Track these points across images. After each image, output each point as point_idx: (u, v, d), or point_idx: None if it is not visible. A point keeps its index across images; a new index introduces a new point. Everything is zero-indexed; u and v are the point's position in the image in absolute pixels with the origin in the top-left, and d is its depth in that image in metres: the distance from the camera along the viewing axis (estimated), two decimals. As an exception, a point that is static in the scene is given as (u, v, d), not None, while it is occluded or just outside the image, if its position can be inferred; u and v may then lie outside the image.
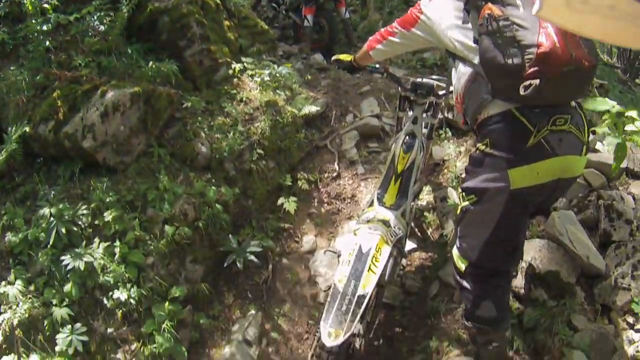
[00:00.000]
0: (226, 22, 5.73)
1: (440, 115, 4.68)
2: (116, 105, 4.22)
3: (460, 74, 2.81)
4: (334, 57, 3.92)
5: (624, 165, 4.10)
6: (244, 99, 5.11)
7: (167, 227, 4.09)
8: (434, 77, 3.85)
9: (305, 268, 4.57)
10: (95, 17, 4.94)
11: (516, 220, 2.77)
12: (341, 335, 2.76)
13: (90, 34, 4.92)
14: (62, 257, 3.79)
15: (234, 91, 5.19)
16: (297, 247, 4.74)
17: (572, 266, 3.54)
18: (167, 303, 3.87)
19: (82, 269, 3.73)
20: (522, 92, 2.35)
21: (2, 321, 3.64)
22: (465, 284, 2.94)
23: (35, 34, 4.81)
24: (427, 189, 4.72)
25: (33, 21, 4.82)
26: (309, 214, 4.96)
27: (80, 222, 3.98)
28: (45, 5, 4.84)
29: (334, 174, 5.19)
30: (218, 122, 4.79)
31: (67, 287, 3.73)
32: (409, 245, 3.72)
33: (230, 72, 5.35)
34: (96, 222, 3.99)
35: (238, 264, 4.27)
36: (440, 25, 2.83)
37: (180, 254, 4.18)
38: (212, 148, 4.64)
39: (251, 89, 5.27)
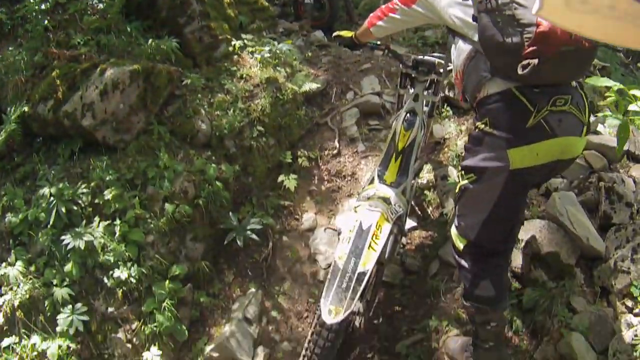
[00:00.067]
0: (226, -1, 5.59)
1: (441, 94, 4.60)
2: (115, 83, 4.14)
3: (460, 50, 2.76)
4: (335, 34, 3.84)
5: (625, 147, 4.03)
6: (244, 76, 5.02)
7: (167, 205, 4.03)
8: (435, 54, 3.76)
9: (305, 246, 4.52)
10: (93, -5, 4.82)
11: (515, 200, 2.74)
12: (341, 312, 2.73)
13: (89, 12, 4.84)
14: (63, 237, 3.73)
15: (234, 68, 5.08)
16: (297, 224, 4.67)
17: (572, 247, 3.49)
18: (167, 281, 3.83)
19: (82, 248, 3.69)
20: (520, 71, 2.30)
21: (3, 303, 3.62)
22: (463, 262, 2.90)
23: (34, 14, 4.74)
24: (427, 167, 4.65)
25: (31, 1, 4.73)
26: (309, 191, 4.89)
27: (80, 201, 3.92)
28: (44, -16, 4.73)
29: (335, 152, 5.10)
30: (218, 100, 4.70)
31: (68, 266, 3.69)
32: (409, 223, 3.67)
33: (230, 49, 5.24)
34: (96, 201, 3.93)
35: (238, 241, 4.21)
36: (440, 2, 2.78)
37: (181, 232, 4.12)
38: (212, 125, 4.56)
39: (251, 66, 5.17)
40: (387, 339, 3.77)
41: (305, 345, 3.14)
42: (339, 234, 3.12)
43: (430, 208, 4.47)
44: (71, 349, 3.54)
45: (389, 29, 3.26)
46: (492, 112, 2.54)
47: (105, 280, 3.74)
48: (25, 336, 3.59)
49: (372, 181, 3.50)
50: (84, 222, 3.86)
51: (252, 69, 5.12)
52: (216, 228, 4.33)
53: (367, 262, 2.85)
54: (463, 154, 2.88)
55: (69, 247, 3.69)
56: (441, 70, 3.64)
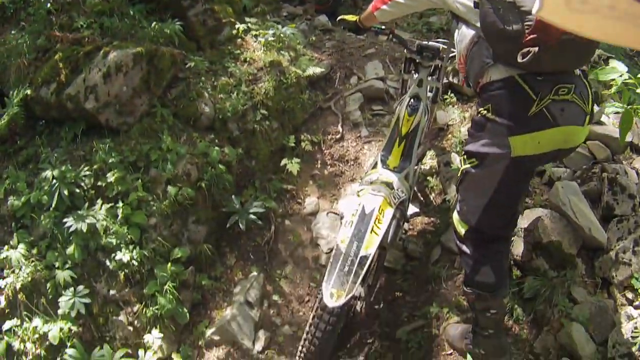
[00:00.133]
0: (230, -18, 5.47)
1: (445, 80, 4.52)
2: (119, 66, 4.06)
3: (463, 36, 2.71)
4: (339, 18, 3.74)
5: (628, 139, 4.00)
6: (248, 59, 4.91)
7: (170, 188, 3.96)
8: (440, 40, 3.67)
9: (308, 230, 4.45)
10: (97, -22, 4.72)
11: (516, 187, 2.72)
12: (343, 296, 2.69)
13: (92, -5, 4.72)
14: (65, 220, 3.67)
15: (238, 51, 4.98)
16: (300, 208, 4.61)
17: (574, 237, 3.43)
18: (169, 264, 3.77)
19: (84, 230, 3.63)
20: (519, 59, 2.26)
21: (5, 285, 3.57)
22: (465, 248, 2.87)
23: (36, -3, 4.62)
24: (430, 153, 4.58)
25: (34, -16, 4.62)
26: (312, 175, 4.81)
27: (82, 184, 3.86)
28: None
29: (338, 136, 5.02)
30: (222, 83, 4.61)
31: (70, 249, 3.63)
32: (412, 209, 3.62)
33: (234, 32, 5.13)
34: (99, 183, 3.87)
35: (241, 225, 4.14)
36: None
37: (183, 214, 4.06)
38: (216, 108, 4.47)
39: (255, 49, 5.07)
40: (388, 324, 3.72)
41: (307, 328, 3.10)
42: (342, 218, 3.07)
43: (433, 194, 4.39)
44: (73, 331, 3.49)
45: (393, 13, 3.19)
46: (495, 99, 2.50)
47: (108, 262, 3.69)
48: (26, 319, 3.54)
49: (375, 166, 3.45)
50: (87, 204, 3.80)
51: (256, 52, 5.02)
52: (219, 211, 4.27)
53: (370, 246, 2.81)
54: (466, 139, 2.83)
55: (72, 229, 3.63)
56: (445, 56, 3.57)
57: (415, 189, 4.14)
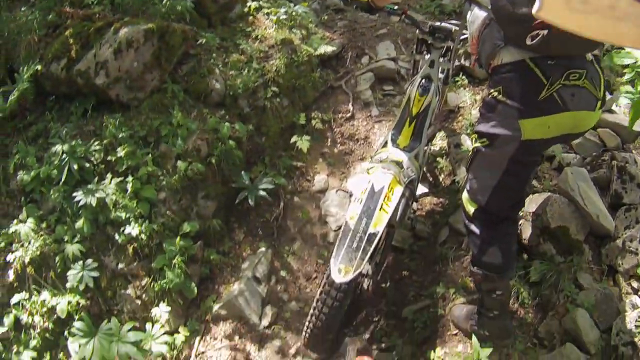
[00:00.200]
0: (242, -42, 5.34)
1: (457, 63, 4.41)
2: (130, 42, 3.96)
3: (475, 17, 2.64)
4: None
5: (638, 128, 3.83)
6: (259, 36, 4.79)
7: (180, 163, 3.88)
8: (452, 21, 3.55)
9: (316, 207, 4.36)
10: (108, -47, 4.62)
11: (525, 169, 2.66)
12: (351, 272, 2.64)
13: (102, -29, 4.62)
14: (74, 194, 3.61)
15: (249, 29, 4.86)
16: (309, 185, 4.51)
17: (581, 223, 3.33)
18: (178, 238, 3.70)
19: (94, 205, 3.57)
20: (528, 42, 2.20)
21: (14, 259, 3.52)
22: (473, 228, 2.80)
23: (46, -27, 4.52)
24: (440, 134, 4.47)
25: (44, -41, 4.52)
26: (321, 153, 4.71)
27: (92, 159, 3.79)
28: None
29: (348, 115, 4.90)
30: (233, 59, 4.49)
31: (79, 223, 3.57)
32: (421, 189, 3.54)
33: (246, 10, 5.00)
34: (109, 158, 3.80)
35: (250, 200, 4.07)
36: None
37: (193, 189, 3.98)
38: (227, 85, 4.36)
39: (266, 27, 4.94)
40: (394, 303, 3.66)
41: (314, 304, 3.03)
42: (351, 196, 2.99)
43: (442, 175, 4.29)
44: (81, 304, 3.45)
45: None
46: (506, 81, 2.42)
47: (116, 236, 3.63)
48: (35, 292, 3.50)
49: (385, 144, 3.37)
50: (96, 179, 3.73)
51: (268, 30, 4.90)
52: (228, 187, 4.19)
53: (378, 224, 2.73)
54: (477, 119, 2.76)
55: (81, 203, 3.57)
56: (457, 38, 3.44)
57: (425, 169, 4.07)
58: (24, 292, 3.49)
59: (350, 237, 2.71)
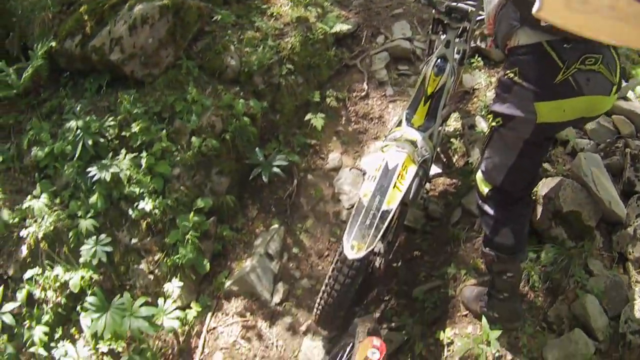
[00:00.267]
0: None
1: (472, 44, 4.27)
2: (144, 18, 3.88)
3: None
4: None
5: None
6: (275, 14, 4.68)
7: (194, 139, 3.80)
8: (468, 2, 3.40)
9: (330, 185, 4.25)
10: None
11: (539, 151, 2.61)
12: (363, 248, 2.61)
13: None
14: (89, 169, 3.54)
15: (265, 6, 4.75)
16: (323, 163, 4.40)
17: (593, 209, 3.23)
18: (191, 214, 3.62)
19: (108, 180, 3.49)
20: (543, 23, 2.11)
21: (27, 235, 3.44)
22: (487, 208, 2.72)
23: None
24: (455, 116, 4.33)
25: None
26: (335, 131, 4.59)
27: (106, 134, 3.72)
28: None
29: (363, 94, 4.77)
30: (248, 36, 4.38)
31: (93, 198, 3.50)
32: (434, 169, 3.46)
33: (261, -13, 4.88)
34: (123, 133, 3.72)
35: (263, 177, 3.98)
36: None
37: (207, 165, 3.90)
38: (242, 61, 4.26)
39: (282, 4, 4.82)
40: (405, 282, 3.56)
41: (325, 281, 2.98)
42: (364, 174, 2.89)
43: (456, 156, 4.16)
44: (93, 279, 3.39)
45: None
46: (522, 63, 2.33)
47: (130, 211, 3.55)
48: (48, 267, 3.43)
49: (399, 123, 3.26)
50: (110, 154, 3.65)
51: (283, 7, 4.78)
52: (242, 163, 4.10)
53: (392, 201, 2.68)
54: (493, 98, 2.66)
55: (95, 179, 3.50)
56: (473, 19, 3.34)
57: (439, 150, 3.97)
58: (37, 267, 3.42)
59: (363, 214, 2.67)
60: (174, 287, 3.43)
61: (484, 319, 2.92)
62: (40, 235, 3.41)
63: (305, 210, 4.12)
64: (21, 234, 3.46)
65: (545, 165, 3.52)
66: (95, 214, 3.49)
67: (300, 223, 4.04)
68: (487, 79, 4.46)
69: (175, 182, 3.70)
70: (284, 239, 3.93)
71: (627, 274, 3.09)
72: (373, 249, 2.68)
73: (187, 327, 3.50)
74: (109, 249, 3.38)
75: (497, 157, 2.61)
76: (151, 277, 3.51)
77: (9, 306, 3.32)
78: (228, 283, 3.63)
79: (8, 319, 3.27)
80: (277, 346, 3.49)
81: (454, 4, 3.34)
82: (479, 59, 4.64)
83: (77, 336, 3.39)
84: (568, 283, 3.05)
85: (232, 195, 3.94)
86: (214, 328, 3.54)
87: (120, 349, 3.30)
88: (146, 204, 3.49)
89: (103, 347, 3.28)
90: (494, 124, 2.53)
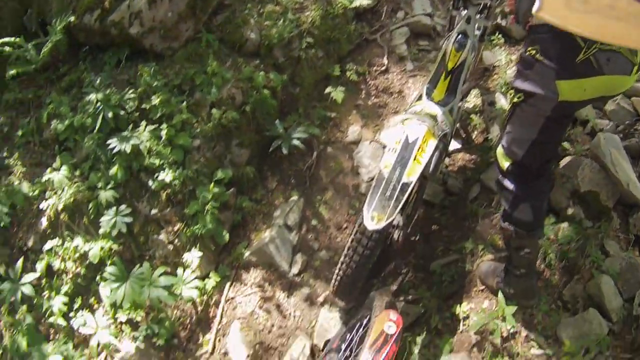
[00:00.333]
0: None
1: (493, 21, 4.12)
2: (164, -8, 3.78)
3: None
4: None
5: None
6: (295, -12, 4.53)
7: (214, 111, 3.72)
8: None
9: (349, 158, 4.15)
10: None
11: (559, 129, 2.59)
12: (383, 219, 2.57)
13: None
14: (109, 141, 3.47)
15: (285, -20, 4.58)
16: (342, 136, 4.29)
17: (611, 190, 3.17)
18: (211, 185, 3.55)
19: (128, 151, 3.42)
20: None
21: (47, 207, 3.41)
22: (507, 183, 2.65)
23: None
24: (475, 92, 4.20)
25: None
26: (355, 105, 4.46)
27: (126, 107, 3.63)
28: None
29: (383, 68, 4.62)
30: (268, 10, 4.25)
31: (113, 170, 3.44)
32: (453, 145, 3.38)
33: (281, -40, 4.71)
34: (143, 106, 3.63)
35: (283, 149, 3.89)
36: None
37: (227, 137, 3.82)
38: (262, 35, 4.13)
39: (302, -22, 4.65)
40: (423, 256, 3.50)
41: (344, 252, 2.93)
42: (384, 147, 2.80)
43: (475, 132, 4.04)
44: (113, 250, 3.35)
45: None
46: (544, 42, 2.26)
47: (150, 183, 3.49)
48: (68, 238, 3.40)
49: (419, 98, 3.16)
50: (131, 126, 3.58)
51: (303, -19, 4.61)
52: (262, 135, 4.01)
53: (412, 174, 2.64)
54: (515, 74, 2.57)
55: (115, 150, 3.43)
56: None
57: (458, 125, 3.85)
58: (57, 238, 3.39)
59: (383, 186, 2.63)
60: (193, 257, 3.38)
61: (500, 295, 2.87)
62: (60, 207, 3.37)
63: (325, 183, 4.03)
64: (41, 206, 3.42)
65: (565, 144, 3.43)
66: (115, 185, 3.43)
67: (320, 195, 3.95)
68: (507, 57, 4.31)
69: (195, 154, 3.63)
70: (303, 210, 3.85)
71: (642, 257, 3.03)
72: (392, 221, 2.63)
73: (205, 297, 3.45)
74: (128, 219, 3.33)
75: (518, 132, 2.54)
76: (170, 247, 3.46)
77: (28, 277, 3.30)
78: (247, 253, 3.57)
79: (28, 290, 3.25)
80: (294, 316, 3.44)
81: None
82: (500, 36, 4.49)
83: (95, 306, 3.36)
84: (584, 263, 2.99)
85: (252, 167, 3.86)
86: (233, 298, 3.50)
87: (139, 318, 3.27)
88: (166, 175, 3.43)
89: (122, 317, 3.26)
90: (515, 99, 2.46)
